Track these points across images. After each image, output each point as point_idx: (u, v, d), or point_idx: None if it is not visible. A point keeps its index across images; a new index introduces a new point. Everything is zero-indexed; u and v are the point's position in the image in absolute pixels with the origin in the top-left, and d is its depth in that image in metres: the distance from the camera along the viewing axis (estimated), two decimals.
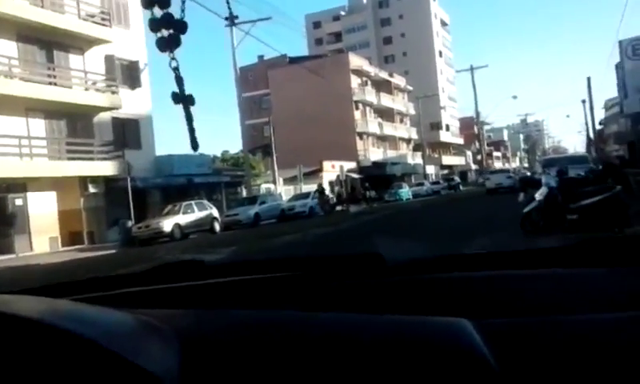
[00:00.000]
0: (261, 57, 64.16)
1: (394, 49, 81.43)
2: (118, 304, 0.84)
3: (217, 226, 23.62)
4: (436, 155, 74.26)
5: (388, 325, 0.75)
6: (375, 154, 54.28)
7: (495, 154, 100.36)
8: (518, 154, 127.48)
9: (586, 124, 65.42)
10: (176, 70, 2.04)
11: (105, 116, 24.53)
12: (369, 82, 56.60)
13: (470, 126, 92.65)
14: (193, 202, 22.87)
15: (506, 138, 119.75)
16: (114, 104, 23.97)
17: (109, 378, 0.58)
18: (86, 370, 0.58)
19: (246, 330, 0.73)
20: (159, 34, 2.03)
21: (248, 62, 65.88)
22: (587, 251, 1.14)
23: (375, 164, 51.94)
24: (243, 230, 23.42)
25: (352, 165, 49.99)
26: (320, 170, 45.25)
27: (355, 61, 54.04)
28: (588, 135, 66.18)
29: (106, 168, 23.09)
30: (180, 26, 2.06)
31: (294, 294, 1.04)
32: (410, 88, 65.34)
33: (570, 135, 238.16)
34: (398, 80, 63.85)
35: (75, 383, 0.57)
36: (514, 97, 51.88)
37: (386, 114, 59.14)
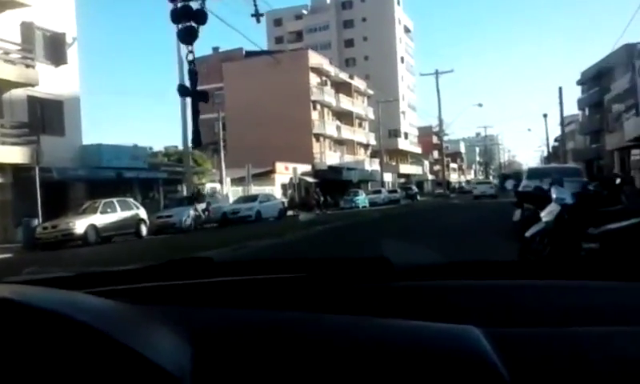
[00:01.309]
0: (215, 48, 60.69)
1: (355, 52, 79.42)
2: (129, 298, 0.86)
3: (144, 229, 20.27)
4: (393, 163, 72.49)
5: (396, 329, 0.75)
6: (332, 157, 51.68)
7: (452, 165, 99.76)
8: (474, 166, 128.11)
9: (547, 138, 65.19)
10: (191, 63, 2.06)
11: (18, 93, 20.88)
12: (328, 82, 54.00)
13: (429, 136, 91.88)
14: (114, 200, 19.40)
15: (462, 150, 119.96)
16: (29, 79, 20.40)
17: (123, 372, 0.58)
18: (100, 363, 0.58)
19: (256, 330, 0.74)
20: (179, 26, 2.02)
21: (202, 53, 62.42)
22: (599, 264, 1.15)
23: (331, 168, 49.33)
24: (176, 235, 20.30)
25: (307, 168, 47.27)
26: (272, 171, 42.32)
27: (314, 58, 51.35)
28: (549, 149, 65.87)
29: (15, 155, 19.47)
30: (200, 17, 2.04)
31: (303, 296, 1.04)
32: (371, 92, 63.20)
33: (524, 150, 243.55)
34: (359, 83, 61.56)
35: (89, 377, 0.58)
36: (480, 104, 50.00)
37: (344, 116, 56.68)
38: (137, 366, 0.57)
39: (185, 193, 28.07)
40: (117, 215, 19.05)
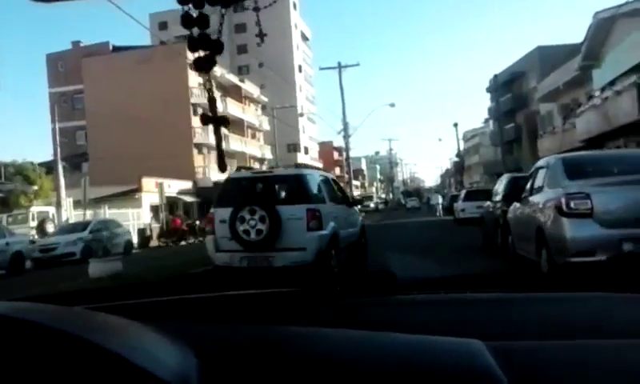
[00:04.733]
0: (76, 43, 50.43)
1: (249, 59, 71.93)
2: (133, 314, 0.84)
3: None
4: None
5: (399, 343, 0.74)
6: (219, 172, 43.44)
7: (354, 182, 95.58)
8: (375, 183, 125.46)
9: (459, 148, 61.02)
10: (210, 91, 2.10)
11: None
12: (213, 84, 45.86)
13: (330, 152, 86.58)
14: None
15: (364, 167, 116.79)
16: None
17: None
18: (102, 379, 0.57)
19: (261, 345, 0.74)
20: (196, 55, 2.02)
21: (61, 47, 52.10)
22: (602, 277, 1.16)
23: (217, 185, 41.00)
24: None
25: (187, 184, 38.77)
26: (138, 189, 33.38)
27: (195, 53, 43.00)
28: (461, 161, 61.75)
29: None
30: (216, 46, 2.04)
31: (308, 309, 1.05)
32: (265, 99, 55.99)
33: (426, 166, 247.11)
34: (251, 88, 54.00)
35: None
36: (392, 104, 44.05)
37: (234, 125, 48.62)
38: (142, 382, 0.56)
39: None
40: None
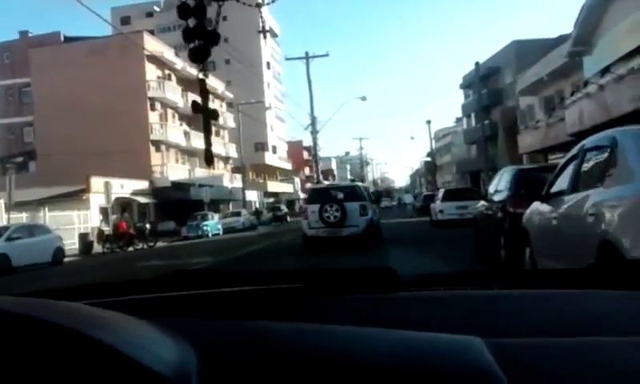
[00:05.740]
0: (23, 33, 46.87)
1: (215, 55, 67.21)
2: (132, 310, 0.84)
3: None
4: (260, 180, 62.98)
5: (399, 340, 0.75)
6: (179, 171, 40.64)
7: (325, 182, 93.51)
8: None
9: (431, 147, 59.31)
10: (203, 81, 2.15)
11: None
12: (173, 77, 43.00)
13: (300, 152, 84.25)
14: None
15: (334, 167, 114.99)
16: None
17: None
18: (101, 375, 0.57)
19: (261, 341, 0.74)
20: (191, 45, 2.20)
21: (8, 37, 48.42)
22: (603, 273, 1.13)
23: (175, 185, 38.17)
24: None
25: (143, 184, 35.88)
26: (86, 189, 30.40)
27: (153, 45, 40.04)
28: (434, 161, 60.02)
29: None
30: (212, 37, 2.30)
31: (308, 306, 1.06)
32: (230, 95, 53.26)
33: (396, 166, 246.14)
34: (215, 83, 51.16)
35: None
36: (363, 98, 41.80)
37: (195, 121, 45.82)
38: (141, 378, 0.56)
39: None
40: None
